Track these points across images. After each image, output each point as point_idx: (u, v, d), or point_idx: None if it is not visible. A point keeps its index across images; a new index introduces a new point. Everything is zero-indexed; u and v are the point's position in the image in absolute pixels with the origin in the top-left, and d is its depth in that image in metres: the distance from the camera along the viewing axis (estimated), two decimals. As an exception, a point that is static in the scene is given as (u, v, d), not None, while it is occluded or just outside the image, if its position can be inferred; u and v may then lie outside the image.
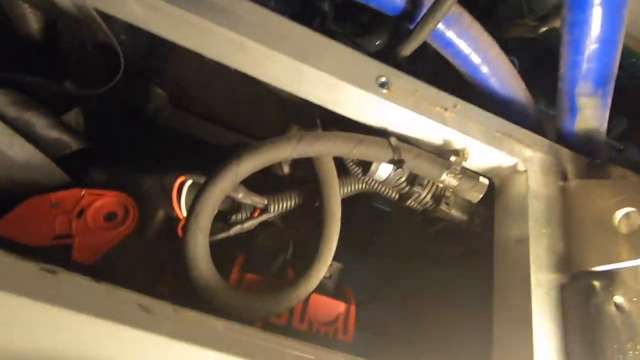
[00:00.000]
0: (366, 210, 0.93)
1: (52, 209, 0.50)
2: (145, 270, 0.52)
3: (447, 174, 0.52)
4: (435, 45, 0.61)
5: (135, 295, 0.40)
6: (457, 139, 0.53)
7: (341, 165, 0.60)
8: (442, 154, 0.54)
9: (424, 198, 0.60)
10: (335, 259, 0.53)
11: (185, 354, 0.37)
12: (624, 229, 0.47)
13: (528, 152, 0.55)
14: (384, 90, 0.50)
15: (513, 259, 0.51)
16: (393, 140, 0.52)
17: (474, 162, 0.56)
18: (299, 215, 0.66)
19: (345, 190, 0.63)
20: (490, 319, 0.51)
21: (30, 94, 0.54)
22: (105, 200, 0.53)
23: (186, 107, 0.75)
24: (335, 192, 0.56)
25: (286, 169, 0.67)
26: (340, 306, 0.56)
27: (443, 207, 0.57)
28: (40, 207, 0.49)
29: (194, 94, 0.75)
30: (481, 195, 0.53)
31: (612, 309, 0.46)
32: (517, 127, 0.57)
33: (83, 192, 0.52)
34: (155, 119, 0.74)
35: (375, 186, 0.63)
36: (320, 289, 0.59)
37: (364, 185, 0.64)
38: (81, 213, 0.51)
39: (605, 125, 0.62)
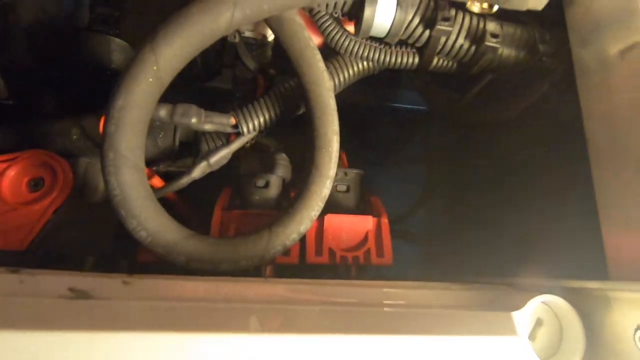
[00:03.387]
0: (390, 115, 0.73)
1: (-49, 193, 0.37)
2: (101, 240, 0.39)
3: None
4: None
5: (68, 277, 0.28)
6: None
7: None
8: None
9: (456, 42, 0.40)
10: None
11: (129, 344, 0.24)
12: None
13: None
14: None
15: (620, 78, 0.32)
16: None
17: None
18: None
19: (340, 79, 0.44)
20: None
21: None
22: (22, 165, 0.39)
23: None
24: (320, 70, 0.37)
25: (251, 64, 0.48)
26: (367, 221, 0.41)
27: (489, 43, 0.36)
28: None
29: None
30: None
31: None
32: None
33: (-14, 161, 0.38)
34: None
35: (382, 57, 0.43)
36: (337, 207, 0.44)
37: (360, 67, 0.44)
38: (-5, 189, 0.38)
39: None
